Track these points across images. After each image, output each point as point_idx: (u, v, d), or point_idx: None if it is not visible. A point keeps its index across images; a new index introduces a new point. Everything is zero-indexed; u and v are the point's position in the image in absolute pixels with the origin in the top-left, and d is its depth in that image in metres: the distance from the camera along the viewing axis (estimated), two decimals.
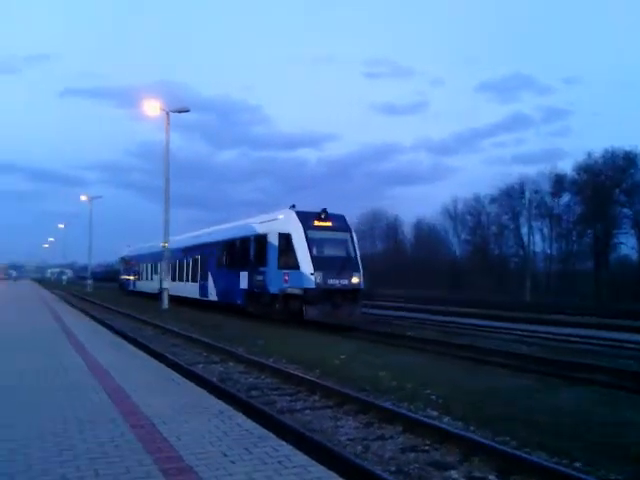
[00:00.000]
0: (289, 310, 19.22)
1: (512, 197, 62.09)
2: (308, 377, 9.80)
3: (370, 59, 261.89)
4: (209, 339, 15.12)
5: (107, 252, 63.24)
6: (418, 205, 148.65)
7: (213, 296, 25.82)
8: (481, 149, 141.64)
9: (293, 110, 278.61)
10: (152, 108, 29.02)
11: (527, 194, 60.38)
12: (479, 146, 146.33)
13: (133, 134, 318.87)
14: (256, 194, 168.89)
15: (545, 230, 61.02)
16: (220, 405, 6.20)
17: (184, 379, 7.90)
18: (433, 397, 8.44)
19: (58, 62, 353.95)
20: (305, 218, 19.50)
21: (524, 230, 60.65)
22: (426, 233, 77.28)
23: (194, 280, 28.45)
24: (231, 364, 11.83)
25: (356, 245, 20.25)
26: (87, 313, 23.26)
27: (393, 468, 5.66)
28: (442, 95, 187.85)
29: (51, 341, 11.94)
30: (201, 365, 11.59)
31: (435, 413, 7.66)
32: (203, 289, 26.97)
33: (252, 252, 21.79)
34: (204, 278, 26.94)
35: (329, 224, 19.85)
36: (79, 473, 3.99)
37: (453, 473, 5.53)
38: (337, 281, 18.61)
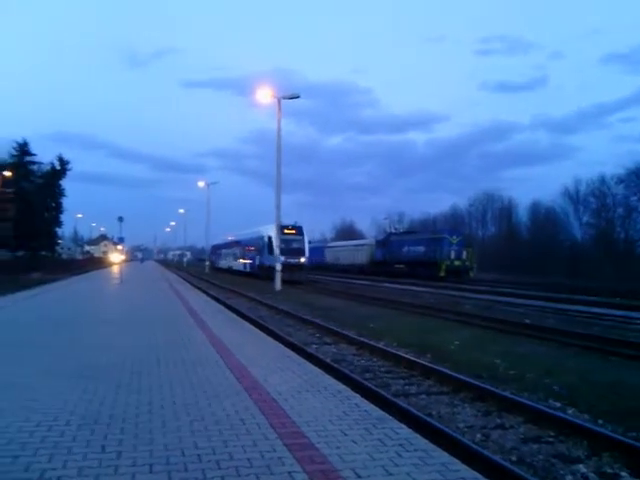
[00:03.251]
0: (272, 275, 32.17)
1: None
2: (421, 361, 9.71)
3: (483, 36, 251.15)
4: (321, 321, 15.43)
5: (223, 235, 67.55)
6: (535, 187, 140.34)
7: (247, 269, 46.17)
8: (607, 125, 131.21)
9: (402, 92, 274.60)
10: (265, 95, 29.93)
11: None
12: (605, 122, 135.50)
13: (249, 121, 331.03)
14: (363, 178, 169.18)
15: None
16: (337, 385, 6.29)
17: (300, 358, 8.10)
18: (555, 388, 8.05)
19: (180, 55, 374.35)
20: (280, 228, 32.99)
21: None
22: (543, 216, 73.12)
23: (237, 260, 51.48)
24: (343, 346, 12.00)
25: (306, 242, 38.54)
26: (206, 292, 24.62)
27: (514, 458, 5.49)
28: (563, 69, 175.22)
29: (177, 318, 12.72)
30: (315, 346, 11.85)
31: (558, 404, 7.33)
32: (243, 265, 48.50)
33: (259, 245, 40.53)
34: (242, 259, 48.88)
35: (293, 232, 37.57)
36: (210, 443, 4.21)
37: (581, 467, 5.27)
38: (292, 260, 35.44)
